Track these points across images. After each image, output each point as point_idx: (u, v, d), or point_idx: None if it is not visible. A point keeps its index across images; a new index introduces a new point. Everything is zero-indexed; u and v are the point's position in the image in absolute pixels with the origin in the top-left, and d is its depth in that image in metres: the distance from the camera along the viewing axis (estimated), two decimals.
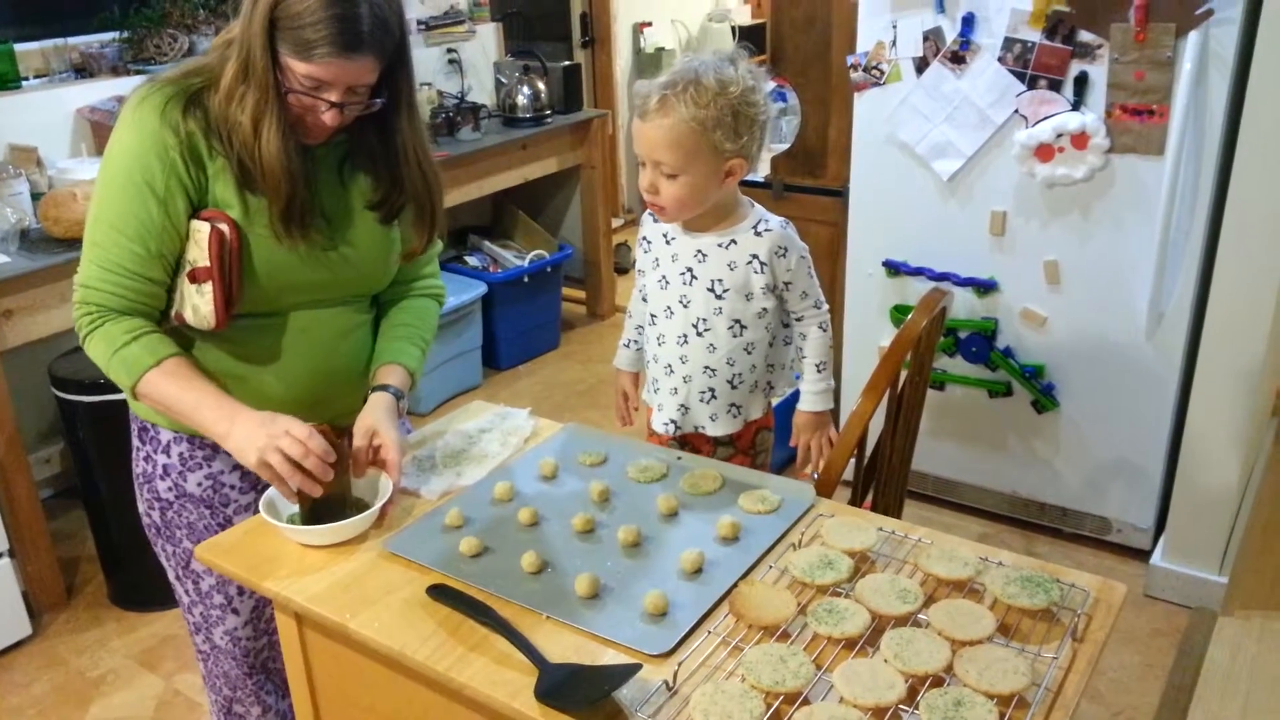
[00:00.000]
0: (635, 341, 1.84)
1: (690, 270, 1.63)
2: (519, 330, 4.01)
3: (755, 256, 1.60)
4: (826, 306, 1.70)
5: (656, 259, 1.69)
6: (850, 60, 2.67)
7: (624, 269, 4.81)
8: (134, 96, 1.37)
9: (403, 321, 1.60)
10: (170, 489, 1.54)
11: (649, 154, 1.54)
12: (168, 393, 1.38)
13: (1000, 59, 2.45)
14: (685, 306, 1.64)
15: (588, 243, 4.37)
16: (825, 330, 1.70)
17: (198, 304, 1.40)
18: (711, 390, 1.67)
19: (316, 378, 1.51)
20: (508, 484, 1.45)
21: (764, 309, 1.63)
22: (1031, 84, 2.43)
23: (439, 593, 1.23)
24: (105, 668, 2.47)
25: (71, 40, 3.15)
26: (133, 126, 1.35)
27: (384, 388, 1.50)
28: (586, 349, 4.20)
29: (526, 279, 3.94)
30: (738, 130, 1.51)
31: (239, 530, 1.42)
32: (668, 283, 1.67)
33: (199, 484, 1.53)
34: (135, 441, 1.58)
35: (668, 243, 1.66)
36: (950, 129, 2.57)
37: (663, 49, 5.43)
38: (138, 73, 3.17)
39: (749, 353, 1.65)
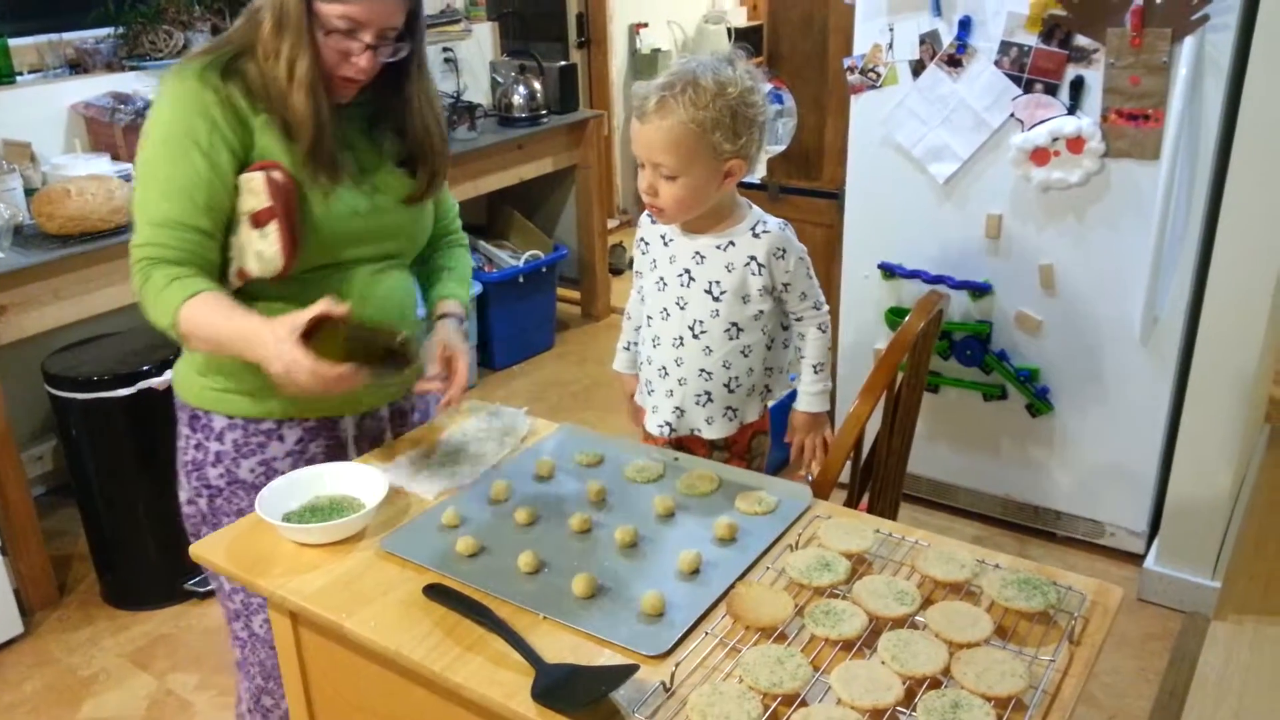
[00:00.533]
0: (634, 344, 1.83)
1: (688, 272, 1.62)
2: (514, 330, 4.01)
3: (753, 259, 1.59)
4: (826, 308, 1.70)
5: (654, 260, 1.68)
6: (847, 63, 2.67)
7: (619, 270, 4.81)
8: (168, 74, 1.43)
9: (445, 265, 1.71)
10: (222, 475, 1.56)
11: (648, 155, 1.53)
12: (211, 323, 1.39)
13: (996, 62, 2.45)
14: (682, 309, 1.64)
15: (583, 243, 4.37)
16: (825, 331, 1.70)
17: (262, 248, 1.43)
18: (708, 394, 1.67)
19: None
20: (504, 484, 1.45)
21: (760, 311, 1.63)
22: (1027, 88, 2.43)
23: (435, 592, 1.23)
24: (97, 666, 2.45)
25: (66, 36, 3.14)
26: (170, 95, 1.41)
27: (445, 316, 1.62)
28: (581, 349, 4.20)
29: (521, 279, 3.94)
30: (736, 131, 1.51)
31: (235, 528, 1.42)
32: (665, 284, 1.66)
33: (251, 470, 1.55)
34: (184, 430, 1.59)
35: (665, 244, 1.66)
36: (946, 132, 2.57)
37: (659, 50, 5.44)
38: (132, 69, 3.17)
39: (745, 355, 1.65)
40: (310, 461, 1.55)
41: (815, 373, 1.70)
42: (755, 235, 1.60)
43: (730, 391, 1.66)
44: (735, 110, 1.50)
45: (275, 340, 1.31)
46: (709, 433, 1.70)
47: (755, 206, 1.65)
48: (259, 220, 1.42)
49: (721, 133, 1.50)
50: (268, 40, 1.40)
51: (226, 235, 1.46)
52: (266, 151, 1.44)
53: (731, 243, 1.60)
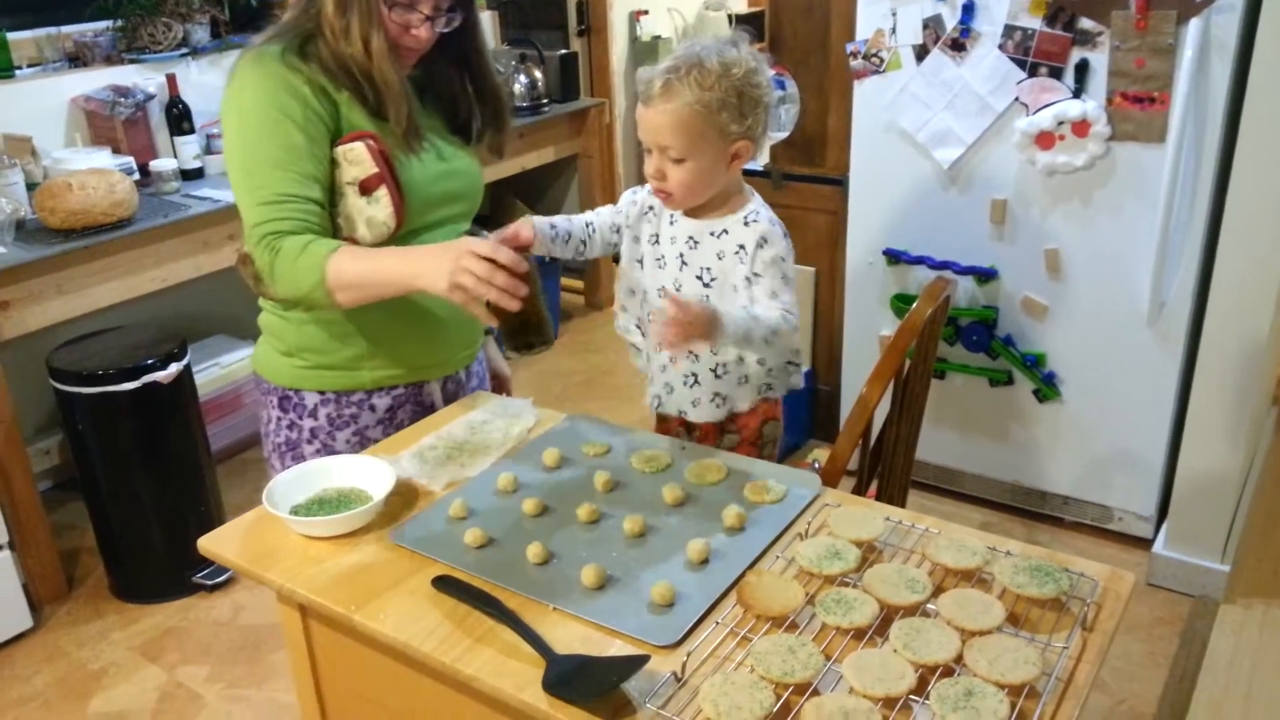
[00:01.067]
0: (567, 229, 1.68)
1: (681, 256, 1.61)
2: None
3: (741, 247, 1.56)
4: (796, 317, 1.53)
5: (655, 234, 1.65)
6: (850, 48, 2.65)
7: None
8: (243, 63, 1.47)
9: None
10: (318, 450, 1.63)
11: (654, 139, 1.52)
12: (357, 270, 1.42)
13: (1000, 46, 2.44)
14: (677, 290, 1.62)
15: None
16: (785, 322, 1.49)
17: (373, 214, 1.49)
18: (694, 375, 1.65)
19: None
20: (512, 475, 1.44)
21: (749, 303, 1.57)
22: (1032, 71, 2.42)
23: (444, 584, 1.23)
24: (107, 660, 2.46)
25: (65, 29, 3.13)
26: (255, 80, 1.45)
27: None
28: (585, 339, 4.19)
29: None
30: (743, 111, 1.50)
31: (242, 522, 1.41)
32: (664, 263, 1.64)
33: (347, 441, 1.63)
34: (274, 413, 1.65)
35: (671, 223, 1.64)
36: (950, 117, 2.56)
37: (659, 37, 5.40)
38: (132, 61, 3.16)
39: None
40: (399, 427, 1.64)
41: (750, 314, 1.48)
42: (746, 224, 1.57)
43: (717, 377, 1.64)
44: (741, 90, 1.49)
45: (443, 246, 1.39)
46: (693, 415, 1.67)
47: (757, 195, 1.63)
48: (367, 187, 1.48)
49: (728, 113, 1.48)
50: (333, 20, 1.44)
51: (330, 208, 1.50)
52: (355, 125, 1.49)
53: (725, 230, 1.58)
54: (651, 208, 1.66)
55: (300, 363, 1.60)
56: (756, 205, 1.60)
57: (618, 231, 1.70)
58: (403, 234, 1.53)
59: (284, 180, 1.44)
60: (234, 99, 1.48)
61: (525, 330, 1.46)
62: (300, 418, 1.63)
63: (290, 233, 1.43)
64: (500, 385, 1.91)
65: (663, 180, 1.54)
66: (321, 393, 1.61)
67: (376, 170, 1.47)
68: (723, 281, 1.59)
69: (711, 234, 1.59)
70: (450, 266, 1.34)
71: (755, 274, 1.56)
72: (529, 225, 1.57)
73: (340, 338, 1.58)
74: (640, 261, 1.68)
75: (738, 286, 1.58)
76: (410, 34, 1.48)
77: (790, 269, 1.57)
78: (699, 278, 1.60)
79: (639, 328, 1.75)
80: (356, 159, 1.48)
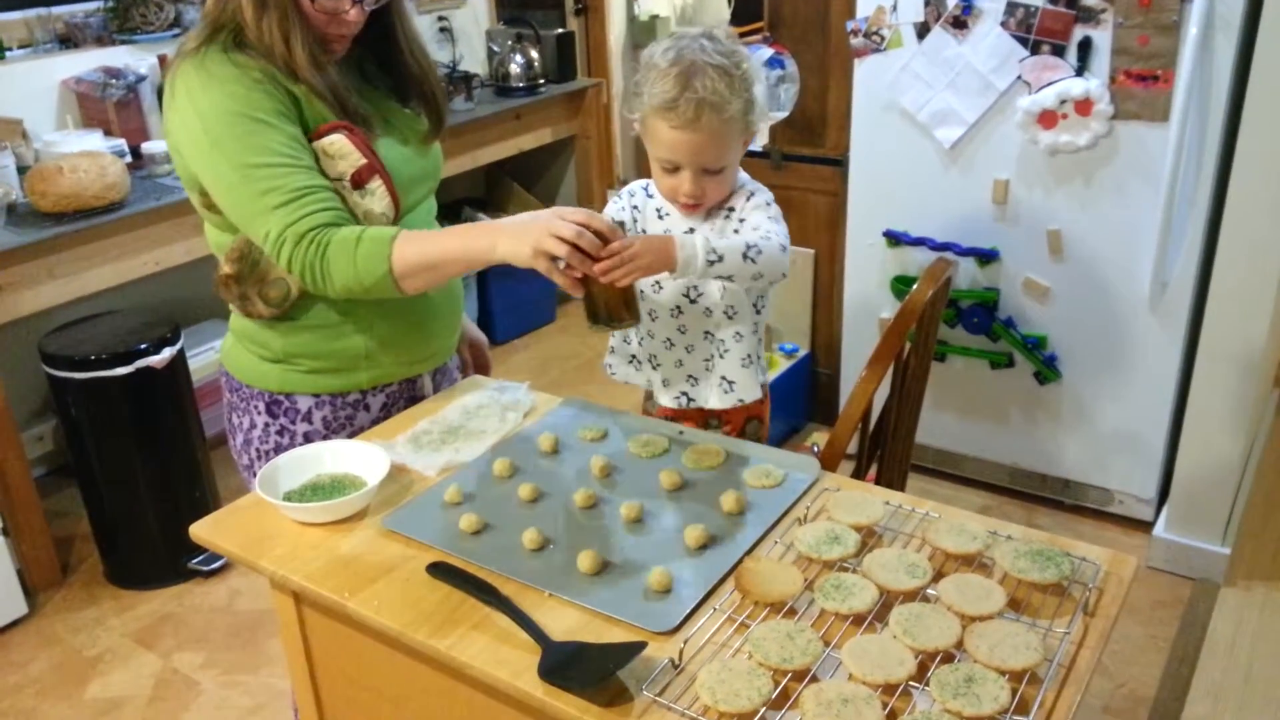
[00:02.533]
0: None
1: None
2: (514, 304, 3.98)
3: (732, 209, 1.58)
4: (785, 241, 1.50)
5: (644, 230, 1.63)
6: (850, 26, 2.62)
7: None
8: (184, 71, 1.38)
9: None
10: None
11: (693, 160, 1.48)
12: (423, 252, 1.37)
13: (1003, 24, 2.41)
14: (686, 292, 1.60)
15: None
16: (768, 243, 1.45)
17: (369, 207, 1.44)
18: (709, 359, 1.64)
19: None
20: (507, 460, 1.42)
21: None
22: (1034, 49, 2.39)
23: (439, 571, 1.21)
24: (102, 646, 2.45)
25: (55, 10, 3.09)
26: (208, 84, 1.36)
27: None
28: (583, 322, 4.16)
29: None
30: (754, 101, 1.49)
31: (234, 508, 1.40)
32: None
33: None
34: (260, 419, 1.57)
35: (660, 218, 1.62)
36: (952, 96, 2.53)
37: (656, 16, 5.35)
38: (123, 43, 3.12)
39: (730, 318, 1.61)
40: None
41: (744, 247, 1.43)
42: (746, 199, 1.58)
43: (721, 358, 1.63)
44: (748, 81, 1.48)
45: (528, 215, 1.34)
46: (715, 402, 1.67)
47: (743, 172, 1.62)
48: (360, 179, 1.42)
49: (747, 111, 1.48)
50: (250, 20, 1.36)
51: None
52: (322, 118, 1.42)
53: (730, 208, 1.57)
54: (636, 206, 1.64)
55: (295, 368, 1.53)
56: (747, 184, 1.60)
57: None
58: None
59: (294, 175, 1.36)
60: (190, 110, 1.36)
61: (613, 304, 1.39)
62: (293, 422, 1.55)
63: (331, 224, 1.36)
64: (479, 353, 1.86)
65: (702, 196, 1.52)
66: (316, 395, 1.55)
67: (365, 160, 1.42)
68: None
69: (702, 219, 1.58)
70: (536, 235, 1.30)
71: (741, 219, 1.56)
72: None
73: (336, 341, 1.52)
74: None
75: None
76: (339, 20, 1.40)
77: (776, 212, 1.58)
78: None
79: (635, 358, 1.70)
80: (340, 151, 1.41)
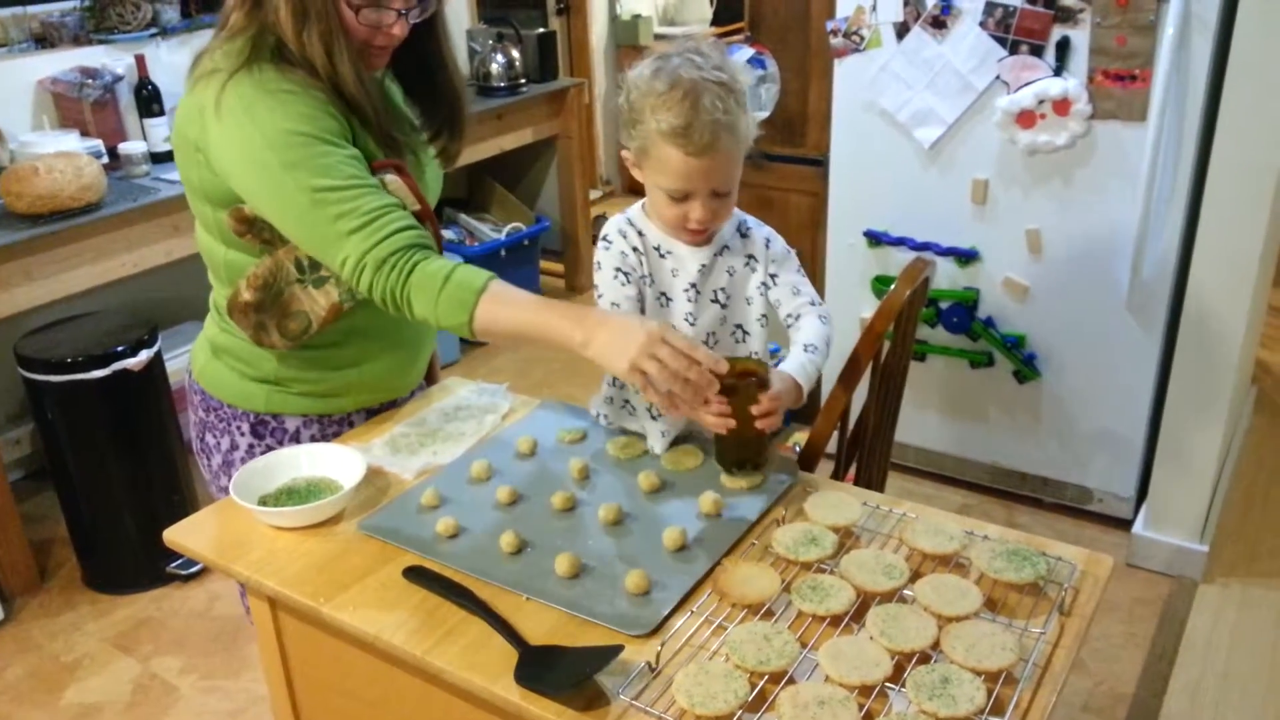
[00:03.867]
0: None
1: (694, 286, 1.48)
2: None
3: (751, 257, 1.49)
4: (826, 308, 1.52)
5: (649, 275, 1.47)
6: (830, 26, 2.63)
7: None
8: (236, 88, 1.30)
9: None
10: None
11: (709, 185, 1.38)
12: (512, 319, 1.30)
13: (981, 24, 2.41)
14: (692, 324, 1.49)
15: (565, 215, 4.32)
16: (825, 323, 1.49)
17: None
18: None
19: None
20: (485, 462, 1.42)
21: (763, 315, 1.52)
22: (1013, 49, 2.39)
23: (415, 575, 1.20)
24: (80, 651, 2.43)
25: (31, 9, 3.06)
26: (266, 103, 1.29)
27: None
28: None
29: (503, 252, 3.89)
30: (751, 114, 1.41)
31: (208, 512, 1.39)
32: (669, 300, 1.50)
33: None
34: (244, 439, 1.53)
35: (662, 256, 1.47)
36: (931, 96, 2.53)
37: (639, 16, 5.36)
38: (100, 42, 3.09)
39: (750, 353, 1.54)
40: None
41: (805, 351, 1.46)
42: (743, 235, 1.50)
43: None
44: (745, 94, 1.39)
45: (632, 320, 1.26)
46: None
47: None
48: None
49: (752, 124, 1.40)
50: (291, 32, 1.30)
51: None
52: (369, 151, 1.37)
53: (726, 246, 1.49)
54: (637, 249, 1.47)
55: (283, 390, 1.50)
56: (739, 214, 1.52)
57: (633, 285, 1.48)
58: None
59: (366, 196, 1.29)
60: (254, 131, 1.29)
61: (761, 447, 1.34)
62: (280, 442, 1.52)
63: (413, 246, 1.30)
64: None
65: (714, 220, 1.42)
66: (304, 416, 1.52)
67: (419, 206, 1.38)
68: (736, 297, 1.50)
69: (716, 254, 1.48)
70: (635, 351, 1.21)
71: (771, 275, 1.49)
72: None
73: (326, 368, 1.50)
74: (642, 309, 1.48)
75: (751, 298, 1.50)
76: (383, 32, 1.35)
77: (797, 261, 1.53)
78: (714, 300, 1.49)
79: (628, 403, 1.53)
80: (397, 193, 1.36)
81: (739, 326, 1.52)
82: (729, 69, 1.37)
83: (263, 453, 1.52)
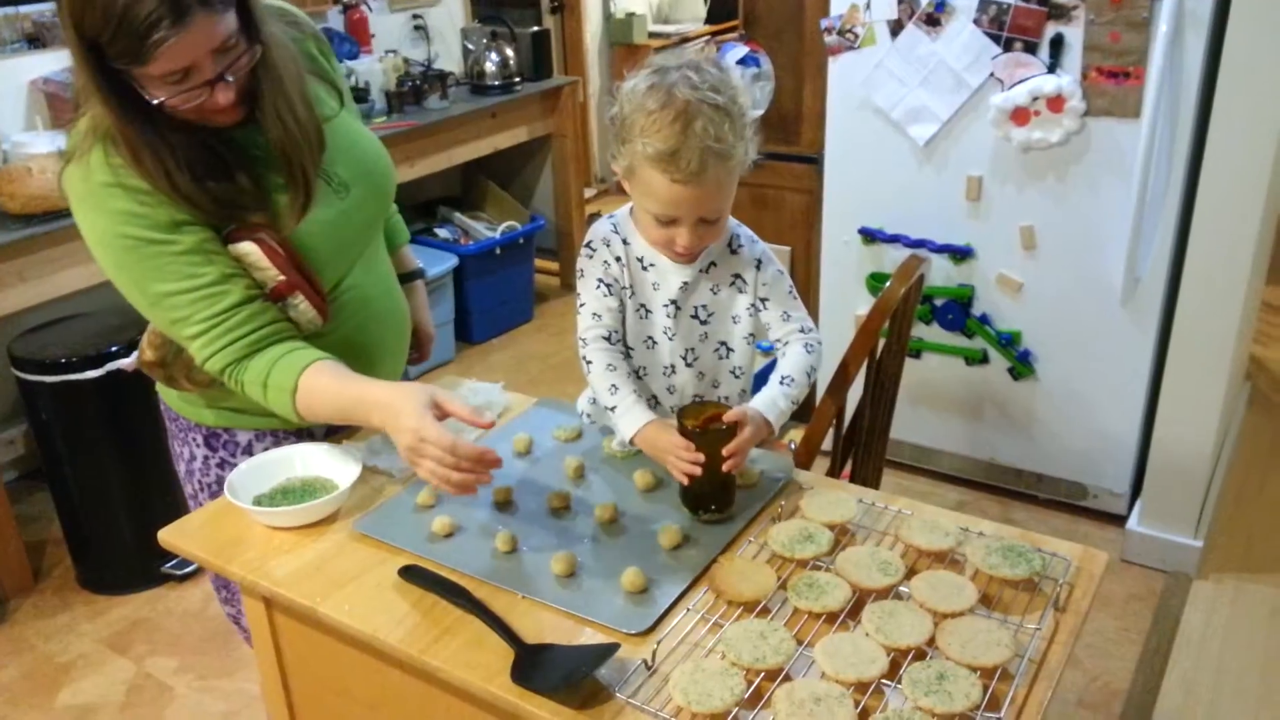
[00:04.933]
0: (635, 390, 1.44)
1: (674, 302, 1.46)
2: (491, 303, 3.96)
3: (738, 275, 1.46)
4: (818, 333, 1.48)
5: (630, 286, 1.45)
6: (824, 24, 2.63)
7: None
8: (66, 179, 1.26)
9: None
10: None
11: (697, 213, 1.33)
12: (324, 407, 1.31)
13: (975, 21, 2.41)
14: (671, 339, 1.48)
15: (560, 213, 4.31)
16: (810, 352, 1.45)
17: (295, 317, 1.36)
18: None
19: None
20: None
21: (750, 334, 1.50)
22: (1007, 46, 2.40)
23: (411, 574, 1.20)
24: (75, 652, 2.42)
25: (23, 9, 3.04)
26: (92, 201, 1.25)
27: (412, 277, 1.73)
28: (560, 321, 4.16)
29: (498, 251, 3.89)
30: (751, 136, 1.33)
31: (204, 513, 1.38)
32: (648, 313, 1.46)
33: None
34: (199, 451, 1.51)
35: (645, 269, 1.45)
36: (925, 93, 2.54)
37: (633, 14, 5.35)
38: None
39: (736, 377, 1.53)
40: None
41: (781, 384, 1.42)
42: (733, 251, 1.46)
43: (716, 390, 1.55)
44: (746, 115, 1.31)
45: (407, 409, 1.21)
46: None
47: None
48: (278, 294, 1.33)
49: (750, 148, 1.33)
50: (130, 162, 1.23)
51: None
52: (232, 208, 1.30)
53: (713, 263, 1.46)
54: (620, 259, 1.45)
55: (228, 406, 1.46)
56: (733, 226, 1.47)
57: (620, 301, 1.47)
58: (332, 283, 1.41)
59: (197, 304, 1.27)
60: (87, 229, 1.27)
61: (728, 489, 1.32)
62: (233, 455, 1.49)
63: (241, 357, 1.30)
64: (420, 340, 1.74)
65: (701, 243, 1.38)
66: (255, 430, 1.48)
67: (283, 277, 1.31)
68: (720, 315, 1.47)
69: (701, 271, 1.45)
70: (405, 452, 1.22)
71: (762, 299, 1.46)
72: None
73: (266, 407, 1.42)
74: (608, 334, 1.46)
75: (738, 317, 1.47)
76: (206, 108, 1.22)
77: (789, 282, 1.49)
78: (694, 317, 1.47)
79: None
80: (255, 264, 1.30)
81: (723, 344, 1.49)
82: (728, 90, 1.29)
83: (218, 465, 1.50)
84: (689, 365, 1.48)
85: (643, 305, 1.47)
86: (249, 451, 1.49)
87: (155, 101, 1.19)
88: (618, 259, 1.44)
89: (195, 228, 1.27)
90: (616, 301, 1.44)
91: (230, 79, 1.21)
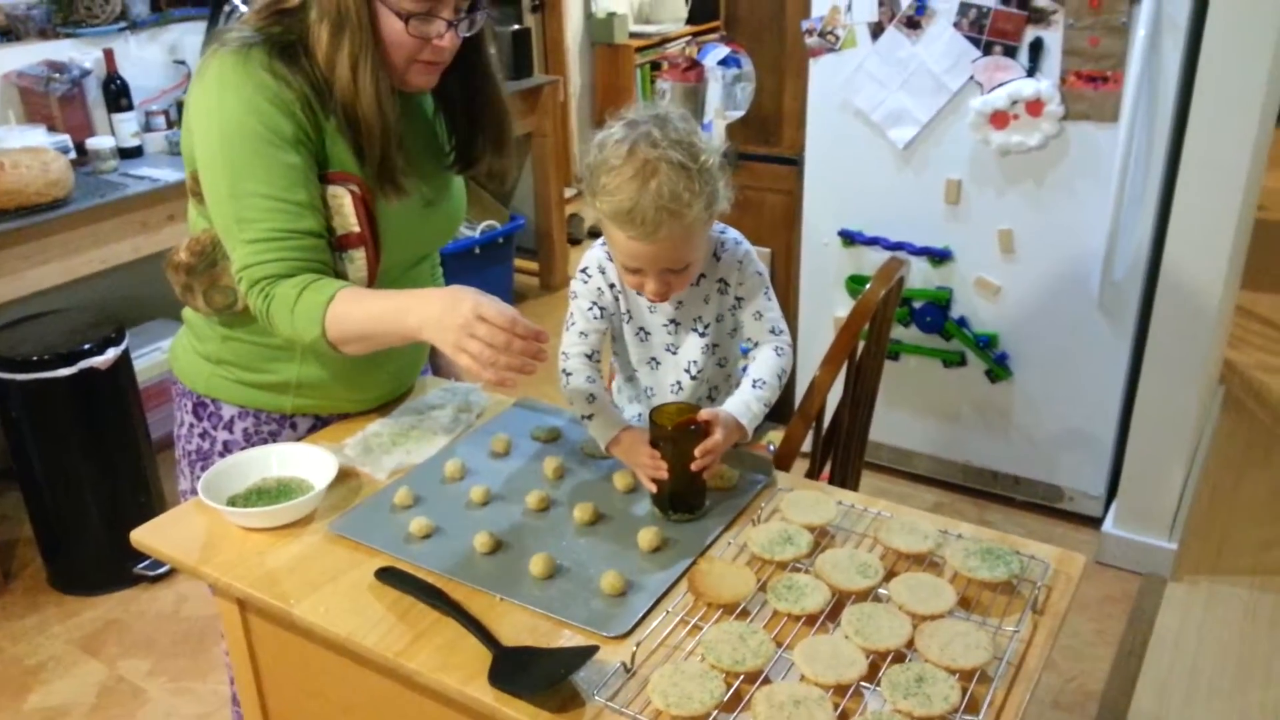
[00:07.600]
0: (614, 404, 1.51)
1: (674, 321, 1.49)
2: None
3: (722, 280, 1.47)
4: (788, 336, 1.50)
5: (628, 311, 1.49)
6: (805, 25, 2.63)
7: (577, 239, 4.75)
8: (220, 62, 1.30)
9: None
10: None
11: (657, 265, 1.34)
12: (354, 322, 1.29)
13: (956, 24, 2.42)
14: (674, 354, 1.51)
15: (540, 213, 4.30)
16: (780, 355, 1.47)
17: (344, 270, 1.38)
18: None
19: None
20: (459, 462, 1.40)
21: (734, 329, 1.52)
22: (987, 50, 2.41)
23: (388, 576, 1.19)
24: (45, 654, 2.39)
25: None
26: (239, 86, 1.29)
27: None
28: (540, 321, 4.09)
29: (478, 250, 3.87)
30: (716, 192, 1.33)
31: (176, 513, 1.36)
32: (648, 335, 1.50)
33: None
34: (187, 418, 1.54)
35: (639, 293, 1.44)
36: (906, 96, 2.54)
37: (614, 14, 5.35)
38: (67, 36, 3.04)
39: (722, 366, 1.54)
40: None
41: (754, 387, 1.43)
42: (717, 258, 1.47)
43: (714, 402, 1.56)
44: (709, 173, 1.31)
45: (451, 299, 1.21)
46: None
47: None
48: (345, 244, 1.36)
49: (713, 203, 1.33)
50: (322, 38, 1.29)
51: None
52: (340, 161, 1.35)
53: (702, 275, 1.46)
54: (614, 285, 1.47)
55: (221, 372, 1.48)
56: (718, 231, 1.48)
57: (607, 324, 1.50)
58: (385, 265, 1.43)
59: (275, 214, 1.29)
60: (213, 107, 1.30)
61: (698, 490, 1.31)
62: (214, 428, 1.51)
63: (283, 275, 1.30)
64: (442, 363, 1.77)
65: (668, 290, 1.38)
66: (241, 406, 1.49)
67: (358, 230, 1.35)
68: (715, 321, 1.49)
69: (692, 284, 1.46)
70: (454, 336, 1.20)
71: (738, 299, 1.47)
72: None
73: (268, 360, 1.47)
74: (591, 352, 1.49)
75: (722, 316, 1.49)
76: (432, 45, 1.31)
77: (768, 285, 1.49)
78: (693, 329, 1.49)
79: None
80: (338, 208, 1.35)
81: (715, 346, 1.51)
82: (692, 147, 1.29)
83: (200, 435, 1.53)
84: (694, 379, 1.50)
85: (641, 328, 1.50)
86: (229, 428, 1.50)
87: (403, 16, 1.28)
88: (611, 286, 1.47)
89: (308, 154, 1.32)
90: (605, 324, 1.49)
91: (461, 29, 1.33)
